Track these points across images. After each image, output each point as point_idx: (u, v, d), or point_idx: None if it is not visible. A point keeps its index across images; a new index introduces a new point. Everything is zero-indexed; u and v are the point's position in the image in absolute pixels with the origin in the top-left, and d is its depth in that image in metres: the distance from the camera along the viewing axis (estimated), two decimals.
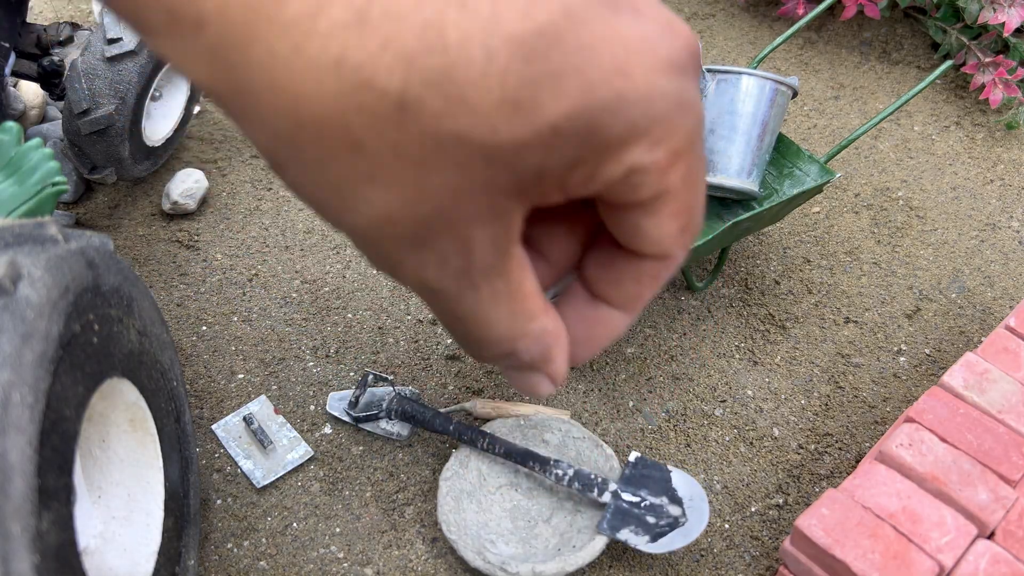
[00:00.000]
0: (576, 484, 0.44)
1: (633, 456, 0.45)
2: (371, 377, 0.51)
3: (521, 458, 0.45)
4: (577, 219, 0.34)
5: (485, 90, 0.25)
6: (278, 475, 0.47)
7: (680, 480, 0.44)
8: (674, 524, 0.42)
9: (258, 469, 0.47)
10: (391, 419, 0.49)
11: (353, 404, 0.50)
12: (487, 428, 0.48)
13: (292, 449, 0.48)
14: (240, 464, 0.48)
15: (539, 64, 0.25)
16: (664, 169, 0.30)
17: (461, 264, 0.30)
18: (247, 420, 0.50)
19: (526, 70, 0.25)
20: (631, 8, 0.27)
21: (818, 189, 0.52)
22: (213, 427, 0.50)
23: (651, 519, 0.43)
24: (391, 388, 0.50)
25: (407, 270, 0.31)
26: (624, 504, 0.43)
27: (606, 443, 0.49)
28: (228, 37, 0.23)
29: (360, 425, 0.50)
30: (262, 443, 0.49)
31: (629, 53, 0.26)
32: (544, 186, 0.29)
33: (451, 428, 0.46)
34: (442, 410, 0.49)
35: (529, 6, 0.25)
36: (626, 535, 0.42)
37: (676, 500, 0.43)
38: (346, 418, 0.50)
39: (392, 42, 0.24)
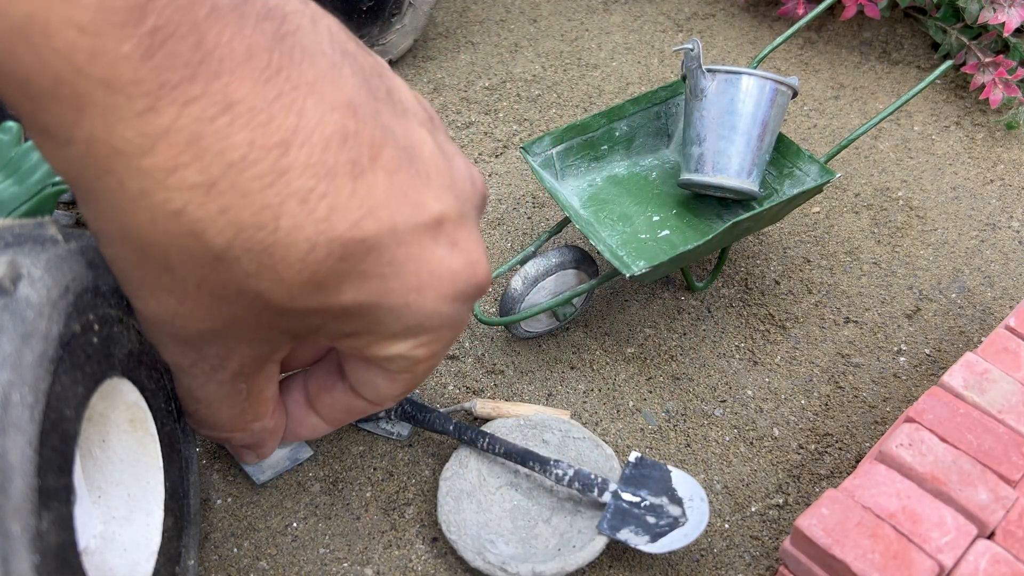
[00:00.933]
0: (576, 484, 0.44)
1: (633, 456, 0.45)
2: None
3: (521, 458, 0.45)
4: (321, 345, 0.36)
5: (297, 271, 0.27)
6: (278, 472, 0.47)
7: (680, 480, 0.44)
8: (674, 524, 0.42)
9: (257, 467, 0.47)
10: (391, 419, 0.49)
11: None
12: (487, 428, 0.48)
13: (294, 447, 0.48)
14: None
15: (352, 263, 0.26)
16: (419, 361, 0.33)
17: (217, 364, 0.33)
18: None
19: (339, 265, 0.26)
20: (449, 241, 0.29)
21: (818, 189, 0.52)
22: None
23: (651, 519, 0.43)
24: None
25: (168, 353, 0.34)
26: (624, 504, 0.43)
27: (606, 443, 0.49)
28: (88, 160, 0.25)
29: (360, 425, 0.50)
30: None
31: (431, 278, 0.28)
32: (318, 337, 0.31)
33: (451, 428, 0.46)
34: (442, 410, 0.49)
35: (362, 219, 0.26)
36: (626, 535, 0.42)
37: (676, 500, 0.43)
38: None
39: (230, 210, 0.25)
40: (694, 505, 0.43)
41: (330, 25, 0.27)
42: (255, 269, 0.25)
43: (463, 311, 0.30)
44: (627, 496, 0.44)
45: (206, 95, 0.22)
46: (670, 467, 0.45)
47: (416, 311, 0.28)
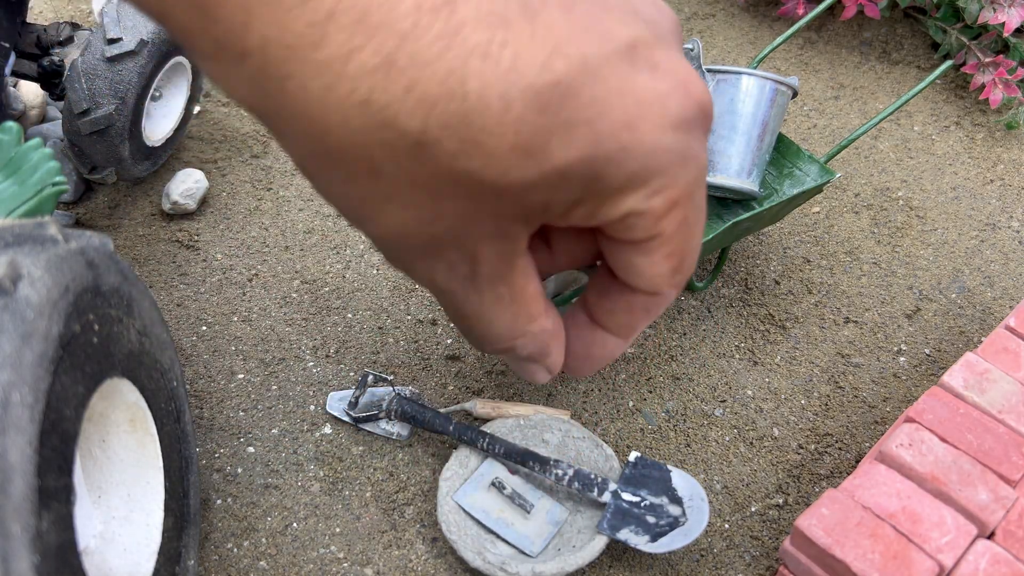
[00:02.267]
0: (576, 484, 0.44)
1: (633, 456, 0.45)
2: (371, 377, 0.51)
3: (521, 458, 0.45)
4: (585, 230, 0.34)
5: (499, 136, 0.25)
6: (547, 540, 0.45)
7: (680, 480, 0.44)
8: (674, 524, 0.42)
9: (525, 538, 0.45)
10: (391, 419, 0.49)
11: (353, 404, 0.50)
12: (487, 428, 0.48)
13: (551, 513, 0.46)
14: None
15: (552, 115, 0.24)
16: (660, 215, 0.31)
17: (468, 271, 0.31)
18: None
19: (540, 120, 0.24)
20: (649, 64, 0.26)
21: (818, 189, 0.52)
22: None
23: (651, 519, 0.43)
24: (391, 388, 0.50)
25: (418, 273, 0.32)
26: (624, 504, 0.43)
27: (606, 443, 0.49)
28: (267, 69, 0.24)
29: (360, 425, 0.50)
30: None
31: (640, 108, 0.26)
32: (548, 216, 0.30)
33: (451, 428, 0.46)
34: (442, 410, 0.49)
35: (549, 58, 0.24)
36: (626, 535, 0.42)
37: (676, 500, 0.43)
38: (346, 418, 0.50)
39: (415, 87, 0.23)
40: (694, 505, 0.43)
41: None
42: (459, 147, 0.24)
43: (690, 141, 0.27)
44: (627, 496, 0.44)
45: None
46: (670, 467, 0.45)
47: (635, 150, 0.26)
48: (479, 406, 0.49)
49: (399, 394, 0.49)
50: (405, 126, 0.24)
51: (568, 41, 0.24)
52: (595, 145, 0.25)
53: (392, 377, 0.51)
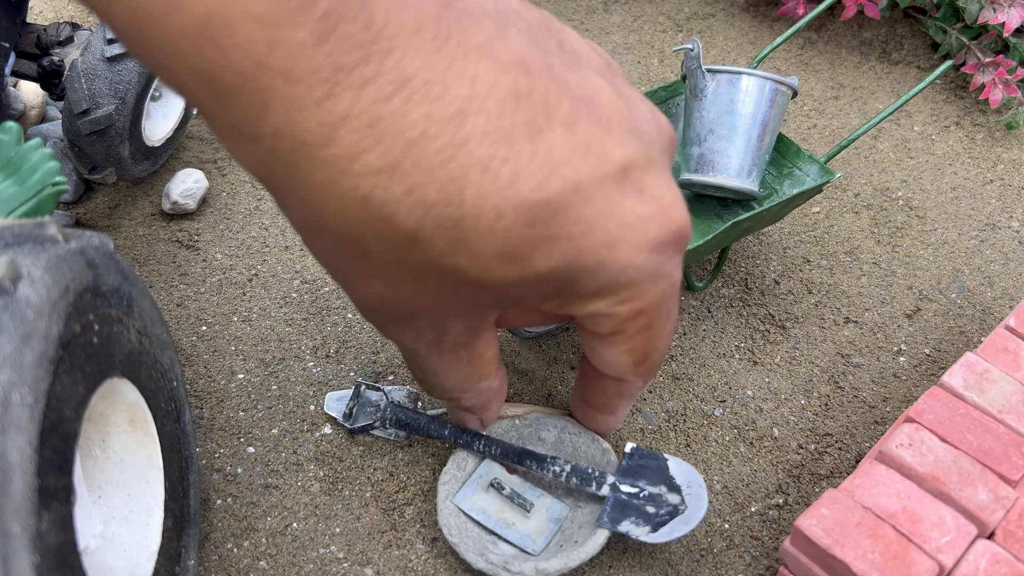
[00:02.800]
0: (574, 479, 0.44)
1: (629, 447, 0.45)
2: (363, 388, 0.51)
3: (518, 458, 0.45)
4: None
5: (487, 242, 0.26)
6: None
7: (677, 468, 0.44)
8: (674, 512, 0.42)
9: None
10: (386, 427, 0.49)
11: (348, 416, 0.49)
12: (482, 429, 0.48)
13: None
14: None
15: (540, 228, 0.26)
16: (624, 319, 0.33)
17: (435, 338, 0.33)
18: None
19: (527, 231, 0.26)
20: (637, 188, 0.27)
21: (818, 189, 0.52)
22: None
23: (651, 509, 0.43)
24: (384, 396, 0.50)
25: (388, 332, 0.34)
26: (623, 496, 0.43)
27: (603, 439, 0.49)
28: (276, 155, 0.25)
29: (355, 435, 0.50)
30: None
31: (622, 230, 0.27)
32: (521, 305, 0.30)
33: (446, 432, 0.46)
34: (436, 412, 0.49)
35: (546, 179, 0.25)
36: (627, 527, 0.42)
37: (674, 488, 0.43)
38: (343, 421, 0.50)
39: (416, 190, 0.24)
40: (692, 492, 0.43)
41: None
42: (448, 246, 0.25)
43: (663, 262, 0.28)
44: (625, 488, 0.44)
45: (380, 74, 0.22)
46: (666, 455, 0.45)
47: (610, 266, 0.27)
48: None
49: (393, 402, 0.49)
50: (402, 223, 0.25)
51: (566, 162, 0.25)
52: (575, 257, 0.27)
53: (386, 388, 0.51)
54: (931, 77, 0.52)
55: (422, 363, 0.34)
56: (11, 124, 0.46)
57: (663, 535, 0.42)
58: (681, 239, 0.29)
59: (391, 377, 0.52)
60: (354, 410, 0.49)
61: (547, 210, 0.25)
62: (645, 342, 0.32)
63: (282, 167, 0.24)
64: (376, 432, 0.50)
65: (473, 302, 0.28)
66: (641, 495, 0.43)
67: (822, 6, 0.59)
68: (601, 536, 0.42)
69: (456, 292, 0.27)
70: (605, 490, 0.44)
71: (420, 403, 0.51)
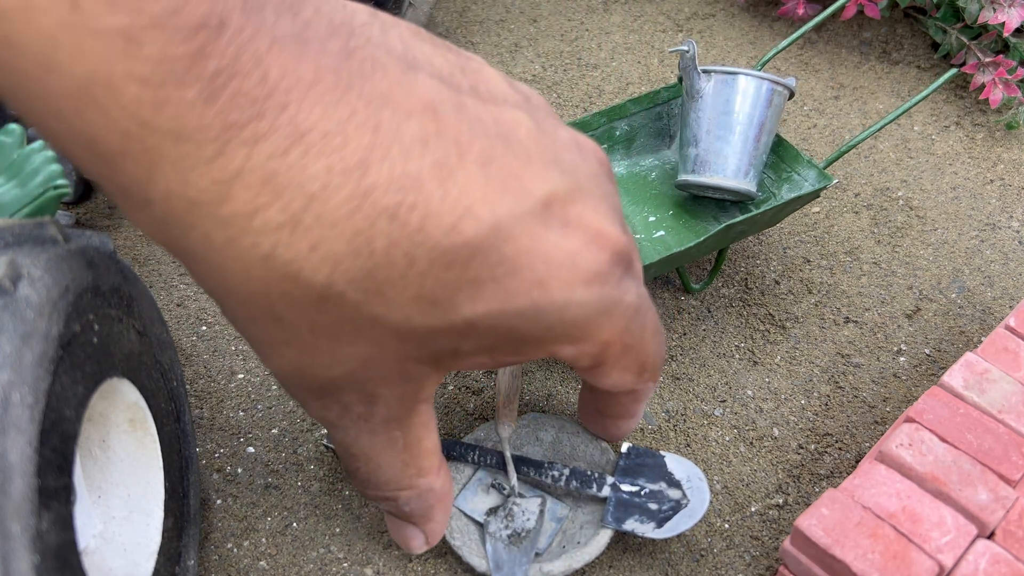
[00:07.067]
0: (573, 482, 0.44)
1: (625, 447, 0.45)
2: None
3: (515, 465, 0.45)
4: None
5: (402, 288, 0.25)
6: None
7: (675, 463, 0.44)
8: (677, 507, 0.42)
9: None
10: None
11: None
12: (480, 430, 0.48)
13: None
14: None
15: (459, 272, 0.25)
16: (596, 354, 0.31)
17: (364, 412, 0.31)
18: None
19: (446, 275, 0.25)
20: (561, 221, 0.26)
21: (815, 194, 0.52)
22: None
23: (653, 506, 0.43)
24: None
25: (313, 410, 0.32)
26: (624, 495, 0.43)
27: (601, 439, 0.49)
28: (170, 218, 0.24)
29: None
30: None
31: (549, 268, 0.26)
32: (461, 360, 0.30)
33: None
34: (469, 439, 0.49)
35: (459, 221, 0.24)
36: (631, 525, 0.42)
37: (674, 483, 0.43)
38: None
39: (321, 245, 0.24)
40: (693, 485, 0.43)
41: (402, 32, 0.26)
42: (362, 297, 0.24)
43: (607, 291, 0.27)
44: (626, 487, 0.44)
45: (275, 129, 0.22)
46: (663, 452, 0.45)
47: (548, 308, 0.26)
48: (502, 428, 0.47)
49: None
50: (309, 280, 0.24)
51: (482, 201, 0.24)
52: (505, 301, 0.25)
53: None
54: (936, 84, 0.52)
55: (352, 446, 0.31)
56: (14, 127, 0.46)
57: (669, 530, 0.42)
58: (622, 259, 0.27)
59: None
60: None
61: (464, 252, 0.24)
62: (632, 360, 0.30)
63: (179, 229, 0.23)
64: None
65: (401, 359, 0.27)
66: (642, 493, 0.43)
67: (829, 10, 0.59)
68: (604, 536, 0.42)
69: (380, 350, 0.26)
70: (606, 491, 0.44)
71: None
